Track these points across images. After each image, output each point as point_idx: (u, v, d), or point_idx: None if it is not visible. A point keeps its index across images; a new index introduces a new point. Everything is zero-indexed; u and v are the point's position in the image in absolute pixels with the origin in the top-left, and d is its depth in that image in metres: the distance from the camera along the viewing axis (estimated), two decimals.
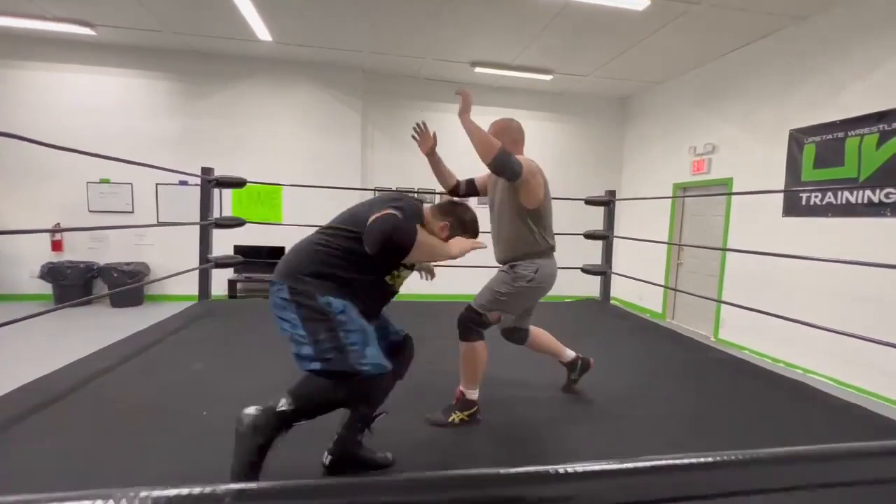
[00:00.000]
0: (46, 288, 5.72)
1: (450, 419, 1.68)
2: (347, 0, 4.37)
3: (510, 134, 1.78)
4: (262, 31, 5.11)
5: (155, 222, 6.10)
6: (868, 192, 3.67)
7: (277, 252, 6.20)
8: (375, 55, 5.84)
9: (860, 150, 3.75)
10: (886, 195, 3.55)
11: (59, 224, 5.83)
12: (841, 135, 3.91)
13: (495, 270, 1.89)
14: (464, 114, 1.67)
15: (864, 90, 3.78)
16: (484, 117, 6.46)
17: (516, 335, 1.95)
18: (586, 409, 1.88)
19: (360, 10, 4.59)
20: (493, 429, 1.69)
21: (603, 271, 4.00)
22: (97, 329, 4.75)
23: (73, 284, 5.61)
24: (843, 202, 3.87)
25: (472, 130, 1.64)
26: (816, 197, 4.10)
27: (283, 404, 1.26)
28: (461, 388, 1.74)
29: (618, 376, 1.95)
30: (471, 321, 1.76)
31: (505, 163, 1.61)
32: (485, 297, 1.78)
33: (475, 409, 1.72)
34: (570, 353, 2.01)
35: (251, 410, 1.24)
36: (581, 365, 2.00)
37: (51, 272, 5.59)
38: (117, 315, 5.45)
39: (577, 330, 2.75)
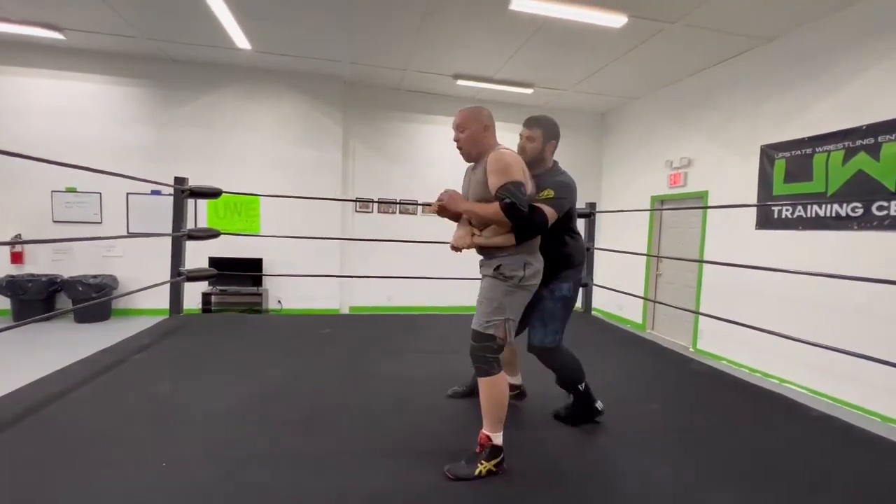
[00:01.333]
0: (5, 303, 5.40)
1: (476, 472, 1.43)
2: (327, 10, 4.35)
3: (481, 121, 1.62)
4: (240, 40, 5.02)
5: (124, 233, 5.86)
6: (836, 207, 3.81)
7: (254, 264, 6.05)
8: (356, 66, 5.82)
9: (827, 165, 3.90)
10: (853, 209, 3.69)
11: (19, 235, 5.54)
12: (809, 151, 4.06)
13: (470, 282, 1.85)
14: (461, 205, 1.59)
15: (829, 108, 3.95)
16: None
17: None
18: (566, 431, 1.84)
19: (340, 21, 4.57)
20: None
21: (585, 283, 4.01)
22: (58, 346, 4.49)
23: (33, 299, 5.31)
24: (813, 216, 4.01)
25: (475, 212, 1.56)
26: (787, 210, 4.23)
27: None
28: (486, 431, 1.49)
29: (605, 390, 1.92)
30: (485, 350, 1.51)
31: (516, 211, 1.47)
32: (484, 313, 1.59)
33: (502, 456, 1.48)
34: (518, 380, 2.03)
35: None
36: (514, 395, 2.00)
37: (9, 286, 5.28)
38: (82, 331, 5.18)
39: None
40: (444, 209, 1.63)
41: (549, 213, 1.62)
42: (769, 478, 1.52)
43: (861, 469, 1.62)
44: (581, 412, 1.81)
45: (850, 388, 3.69)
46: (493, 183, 1.49)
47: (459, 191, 1.72)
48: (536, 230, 1.57)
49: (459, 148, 1.65)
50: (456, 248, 1.65)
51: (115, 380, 2.12)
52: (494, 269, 1.55)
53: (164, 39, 5.21)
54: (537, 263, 1.60)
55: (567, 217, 1.77)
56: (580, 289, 1.86)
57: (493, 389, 1.49)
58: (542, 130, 1.80)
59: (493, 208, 1.50)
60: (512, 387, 1.99)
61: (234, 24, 4.64)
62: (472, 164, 1.69)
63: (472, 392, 2.03)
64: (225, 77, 6.02)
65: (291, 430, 1.70)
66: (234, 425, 1.71)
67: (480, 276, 1.65)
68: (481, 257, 1.65)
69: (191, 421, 1.73)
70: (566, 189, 1.71)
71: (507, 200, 1.46)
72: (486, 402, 1.50)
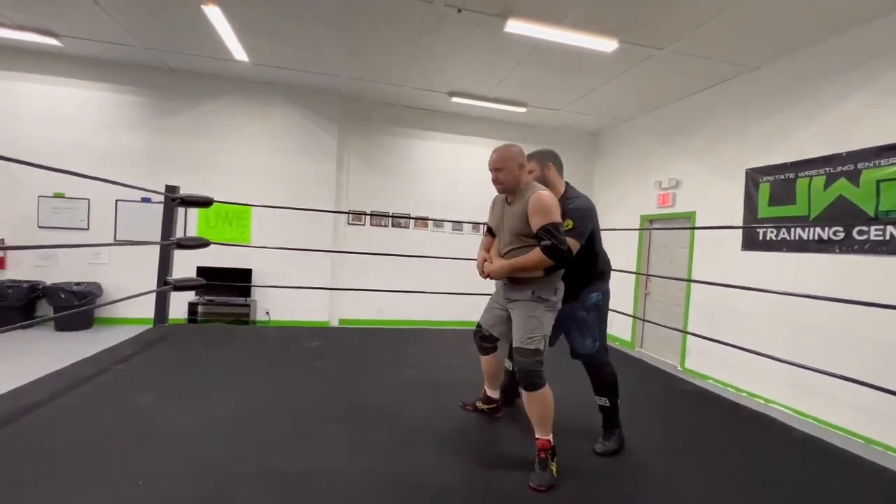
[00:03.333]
0: None
1: (555, 473, 1.54)
2: (327, 26, 4.42)
3: (516, 160, 1.73)
4: (238, 52, 5.07)
5: (112, 241, 5.78)
6: (818, 230, 3.91)
7: (243, 274, 5.99)
8: (354, 81, 5.89)
9: (810, 190, 4.01)
10: (835, 233, 3.79)
11: (2, 240, 5.43)
12: (792, 175, 4.18)
13: (472, 297, 1.87)
14: (505, 268, 1.73)
15: (811, 135, 4.09)
16: (462, 146, 6.59)
17: (488, 341, 1.94)
18: (568, 445, 1.83)
19: (339, 37, 4.64)
20: (469, 463, 1.61)
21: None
22: (36, 355, 4.37)
23: (12, 306, 5.18)
24: (797, 238, 4.10)
25: (519, 267, 1.69)
26: (772, 233, 4.33)
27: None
28: (544, 437, 1.59)
29: (591, 408, 1.92)
30: (535, 364, 1.61)
31: (555, 251, 1.60)
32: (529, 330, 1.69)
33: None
34: (496, 395, 2.08)
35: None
36: (490, 409, 2.07)
37: None
38: (62, 339, 5.04)
39: (554, 362, 2.73)
40: (493, 277, 1.81)
41: (573, 244, 1.72)
42: (754, 500, 1.52)
43: (842, 491, 1.63)
44: (615, 427, 1.83)
45: (834, 409, 3.72)
46: (535, 223, 1.64)
47: (488, 213, 1.95)
48: (564, 264, 1.69)
49: (498, 183, 1.77)
50: (488, 276, 1.81)
51: (94, 391, 2.07)
52: (532, 293, 1.70)
53: (163, 49, 5.24)
54: (562, 287, 1.78)
55: (590, 238, 1.83)
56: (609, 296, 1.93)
57: (545, 401, 1.61)
58: (536, 160, 1.90)
59: (535, 257, 1.64)
60: (490, 400, 2.08)
61: (234, 37, 4.69)
62: (505, 195, 1.83)
63: (502, 402, 2.13)
64: (221, 88, 6.05)
65: (275, 446, 1.66)
66: (216, 441, 1.67)
67: (509, 300, 1.78)
68: (509, 283, 1.80)
69: (171, 435, 1.68)
70: (584, 214, 1.79)
71: (548, 242, 1.60)
72: (538, 412, 1.61)
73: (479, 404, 2.10)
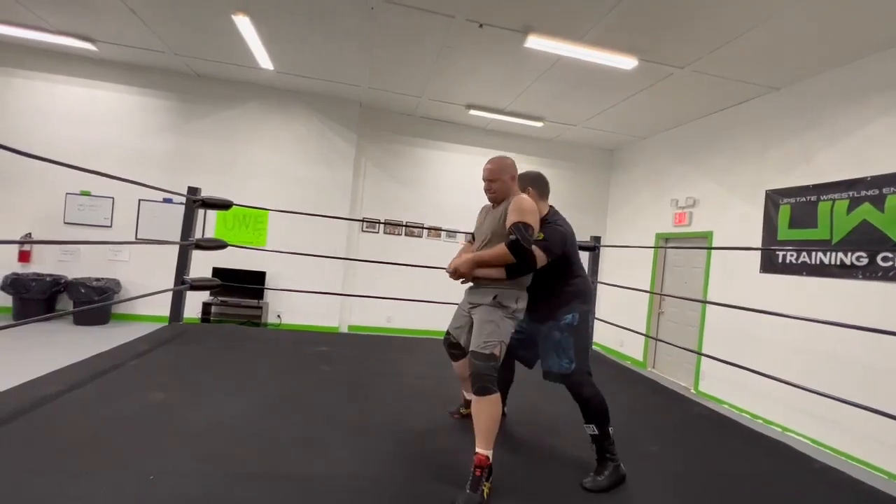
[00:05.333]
0: (7, 300, 5.42)
1: (485, 495, 1.44)
2: (350, 38, 4.53)
3: (509, 171, 1.81)
4: (264, 60, 5.22)
5: (133, 239, 5.93)
6: (841, 255, 3.81)
7: (257, 277, 6.07)
8: (373, 90, 6.01)
9: (832, 214, 3.92)
10: (858, 258, 3.69)
11: (30, 234, 5.61)
12: (814, 198, 4.10)
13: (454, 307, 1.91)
14: (470, 262, 1.74)
15: (834, 158, 4.01)
16: (478, 157, 6.65)
17: (456, 347, 1.93)
18: (576, 465, 1.80)
19: (362, 49, 4.75)
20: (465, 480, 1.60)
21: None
22: (54, 348, 4.48)
23: (35, 298, 5.33)
24: (818, 262, 4.00)
25: (484, 259, 1.72)
26: (792, 256, 4.24)
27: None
28: (484, 451, 1.50)
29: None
30: (488, 369, 1.58)
31: (518, 247, 1.63)
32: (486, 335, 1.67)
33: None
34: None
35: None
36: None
37: (13, 284, 5.32)
38: (80, 333, 5.16)
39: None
40: (459, 273, 1.78)
41: (539, 255, 1.72)
42: None
43: None
44: (608, 460, 1.69)
45: (853, 440, 3.58)
46: (509, 220, 1.69)
47: (473, 223, 1.95)
48: (525, 268, 1.71)
49: (491, 192, 1.84)
50: (457, 275, 1.78)
51: (109, 386, 2.11)
52: (493, 298, 1.71)
53: (192, 56, 5.43)
54: (524, 299, 1.79)
55: (566, 261, 1.85)
56: (590, 320, 1.89)
57: (493, 407, 1.56)
58: (520, 184, 1.92)
59: (498, 251, 1.67)
60: (470, 404, 2.04)
61: (260, 46, 4.84)
62: (493, 204, 1.88)
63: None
64: (245, 94, 6.22)
65: (284, 448, 1.67)
66: (226, 440, 1.68)
67: (472, 304, 1.80)
68: (473, 286, 1.82)
69: (183, 432, 1.70)
70: (557, 234, 1.81)
71: (513, 237, 1.63)
72: (484, 421, 1.54)
73: (462, 410, 2.11)
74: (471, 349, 1.67)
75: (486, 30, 4.06)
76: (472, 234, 2.00)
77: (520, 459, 1.79)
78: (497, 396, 1.58)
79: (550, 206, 1.96)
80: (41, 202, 5.72)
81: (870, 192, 3.65)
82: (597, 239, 4.05)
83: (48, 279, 5.44)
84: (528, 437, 2.02)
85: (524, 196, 1.76)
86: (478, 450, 1.51)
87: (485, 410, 1.55)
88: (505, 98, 5.73)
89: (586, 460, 1.75)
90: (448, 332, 1.97)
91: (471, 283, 1.83)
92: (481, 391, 1.57)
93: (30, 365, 2.49)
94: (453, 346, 1.95)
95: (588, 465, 1.71)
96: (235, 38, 4.73)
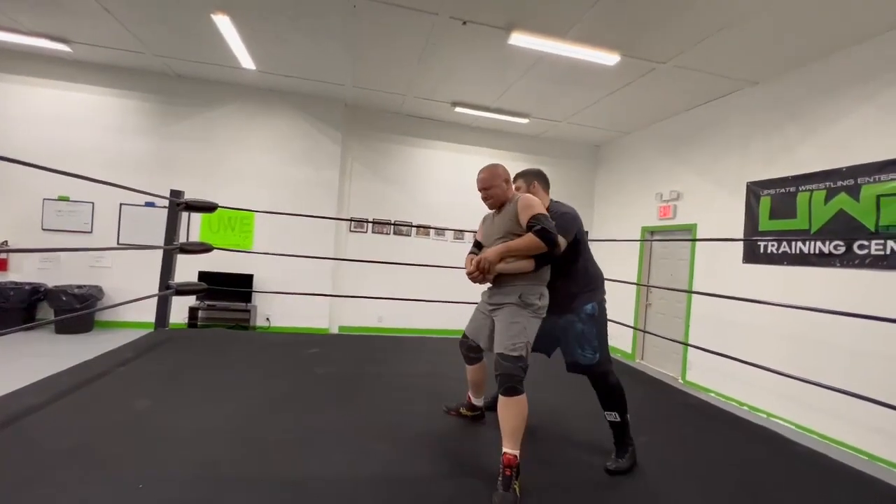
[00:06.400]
0: None
1: (518, 494, 1.45)
2: (333, 37, 4.49)
3: (501, 176, 1.86)
4: (245, 60, 5.14)
5: (114, 244, 5.80)
6: (819, 244, 3.92)
7: (244, 280, 6.00)
8: (357, 89, 5.96)
9: (810, 204, 4.02)
10: (835, 247, 3.79)
11: (6, 242, 5.46)
12: (793, 189, 4.20)
13: (472, 306, 1.87)
14: (497, 254, 1.71)
15: (812, 150, 4.12)
16: (464, 155, 6.65)
17: (474, 351, 1.95)
18: (567, 457, 1.82)
19: (346, 47, 4.71)
20: (468, 472, 1.61)
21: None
22: (37, 357, 4.37)
23: (13, 307, 5.19)
24: (797, 252, 4.11)
25: (512, 248, 1.70)
26: (773, 246, 4.34)
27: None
28: (512, 451, 1.51)
29: (591, 418, 1.92)
30: (517, 370, 1.59)
31: (546, 233, 1.67)
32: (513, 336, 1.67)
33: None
34: (480, 402, 2.09)
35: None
36: (474, 416, 2.09)
37: None
38: (63, 342, 5.04)
39: (555, 371, 2.72)
40: (483, 271, 1.72)
41: (560, 240, 1.76)
42: None
43: None
44: (627, 444, 1.78)
45: (836, 425, 3.69)
46: (524, 217, 1.74)
47: (477, 231, 1.99)
48: (550, 254, 1.73)
49: (489, 199, 1.88)
50: (478, 275, 1.73)
51: (94, 395, 2.06)
52: (518, 297, 1.70)
53: (171, 56, 5.32)
54: (546, 296, 1.79)
55: (577, 247, 1.88)
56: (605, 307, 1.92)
57: (521, 407, 1.58)
58: (522, 179, 2.03)
59: (527, 240, 1.69)
60: (474, 408, 2.09)
61: (241, 45, 4.76)
62: (494, 210, 1.93)
63: (485, 409, 2.12)
64: (227, 94, 6.12)
65: (274, 452, 1.66)
66: (215, 445, 1.67)
67: (494, 306, 1.78)
68: (495, 288, 1.80)
69: (171, 439, 1.68)
70: (568, 217, 1.87)
71: (539, 227, 1.68)
72: (512, 421, 1.56)
73: (462, 410, 2.12)
74: (498, 351, 1.66)
75: (470, 27, 4.06)
76: (475, 244, 1.97)
77: (533, 453, 1.81)
78: (524, 397, 1.60)
79: (551, 199, 2.03)
80: (17, 208, 5.56)
81: (846, 183, 3.75)
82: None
83: (27, 287, 5.30)
84: (530, 432, 2.04)
85: (528, 194, 1.83)
86: (506, 450, 1.53)
87: (513, 411, 1.57)
88: (490, 95, 5.74)
89: (596, 447, 1.77)
90: (465, 335, 1.96)
91: (489, 284, 1.82)
92: (509, 391, 1.58)
93: (11, 377, 2.42)
94: (472, 350, 1.94)
95: (593, 451, 1.73)
96: (216, 38, 4.64)
